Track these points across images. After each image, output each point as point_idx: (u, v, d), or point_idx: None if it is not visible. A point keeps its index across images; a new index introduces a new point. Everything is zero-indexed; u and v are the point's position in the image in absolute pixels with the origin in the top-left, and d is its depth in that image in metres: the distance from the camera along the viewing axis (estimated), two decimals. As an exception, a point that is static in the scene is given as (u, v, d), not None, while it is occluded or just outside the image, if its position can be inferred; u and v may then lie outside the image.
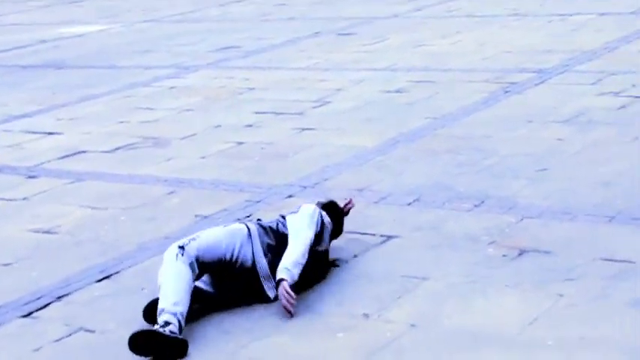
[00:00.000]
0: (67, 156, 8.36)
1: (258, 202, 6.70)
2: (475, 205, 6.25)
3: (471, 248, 5.56)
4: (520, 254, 5.43)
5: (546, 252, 5.44)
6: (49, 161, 8.21)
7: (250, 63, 12.08)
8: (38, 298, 5.33)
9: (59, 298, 5.26)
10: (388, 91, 9.73)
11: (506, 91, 9.27)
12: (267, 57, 12.39)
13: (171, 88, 10.95)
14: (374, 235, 5.89)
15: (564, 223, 5.87)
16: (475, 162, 7.16)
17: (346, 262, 5.53)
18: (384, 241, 5.79)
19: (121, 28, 16.26)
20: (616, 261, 5.23)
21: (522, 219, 5.96)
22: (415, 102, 9.19)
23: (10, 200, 7.24)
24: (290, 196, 6.76)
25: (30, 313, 5.18)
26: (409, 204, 6.39)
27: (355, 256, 5.61)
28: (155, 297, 4.78)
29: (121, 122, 9.47)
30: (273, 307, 4.91)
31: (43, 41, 15.33)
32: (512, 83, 9.56)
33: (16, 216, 6.85)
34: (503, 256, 5.42)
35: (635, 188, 6.31)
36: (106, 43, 14.68)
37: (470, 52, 11.40)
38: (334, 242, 5.70)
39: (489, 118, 8.38)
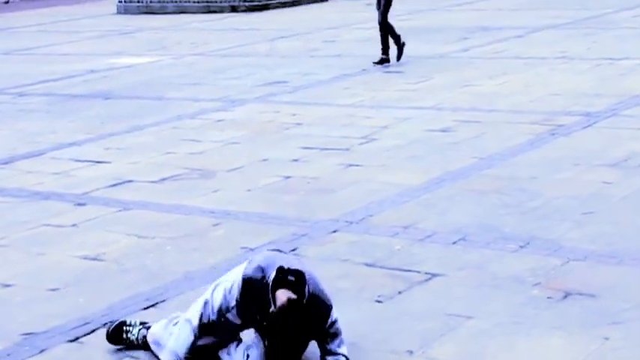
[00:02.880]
0: (115, 185, 8.45)
1: (303, 235, 6.73)
2: (520, 246, 6.24)
3: (516, 289, 5.55)
4: (565, 296, 5.41)
5: (591, 295, 5.41)
6: (97, 189, 8.30)
7: (297, 98, 12.16)
8: (85, 324, 5.38)
9: (105, 324, 5.30)
10: (433, 130, 9.76)
11: (553, 134, 9.26)
12: (314, 93, 12.47)
13: (219, 120, 11.05)
14: (418, 272, 5.90)
15: (610, 266, 5.85)
16: (521, 203, 7.15)
17: (390, 298, 5.54)
18: (428, 279, 5.79)
19: (170, 60, 16.44)
20: (663, 306, 5.20)
21: (568, 261, 5.94)
22: (461, 141, 9.21)
23: (59, 227, 7.32)
24: (335, 231, 6.79)
25: (76, 339, 5.23)
26: (454, 243, 6.39)
27: (399, 292, 5.62)
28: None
29: (168, 153, 9.56)
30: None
31: (93, 71, 15.52)
32: (560, 125, 9.55)
33: (64, 242, 6.93)
34: (549, 298, 5.41)
35: (683, 234, 6.27)
36: (154, 74, 14.83)
37: (517, 93, 11.41)
38: (376, 278, 5.72)
39: (536, 159, 8.37)
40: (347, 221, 6.98)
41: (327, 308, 4.64)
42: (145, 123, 11.15)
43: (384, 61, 14.41)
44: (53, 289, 5.97)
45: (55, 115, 12.05)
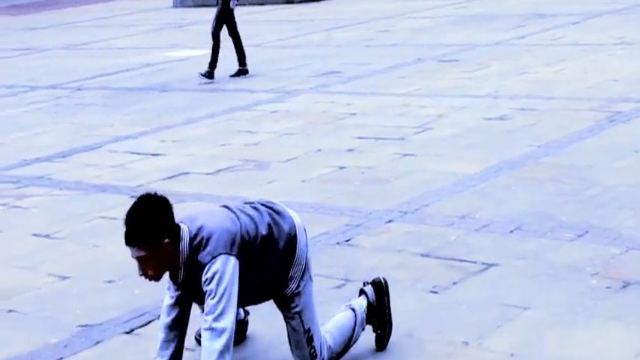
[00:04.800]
0: (170, 177, 8.49)
1: (357, 226, 6.69)
2: (578, 235, 6.14)
3: (574, 278, 5.46)
4: (624, 286, 5.31)
5: (652, 284, 5.31)
6: (152, 182, 8.34)
7: (352, 88, 12.12)
8: (140, 315, 5.41)
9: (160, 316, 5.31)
10: (490, 119, 9.65)
11: (612, 120, 9.11)
12: (369, 82, 12.42)
13: (273, 112, 11.05)
14: (474, 262, 5.83)
15: (671, 255, 5.73)
16: (578, 191, 7.04)
17: (446, 288, 5.49)
18: (484, 269, 5.73)
19: (224, 53, 16.45)
20: None
21: (627, 250, 5.84)
22: (518, 129, 9.10)
23: (114, 219, 7.35)
24: (390, 221, 6.74)
25: (132, 330, 5.26)
26: (511, 232, 6.31)
27: (455, 283, 5.56)
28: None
29: (223, 145, 9.58)
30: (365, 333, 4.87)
31: (149, 65, 15.63)
32: (618, 112, 9.39)
33: (120, 235, 6.94)
34: (607, 287, 5.31)
35: None
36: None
37: (574, 80, 11.25)
38: (432, 268, 5.67)
39: (594, 147, 8.24)
40: (402, 211, 6.93)
41: (209, 254, 4.22)
42: (200, 115, 11.18)
43: (240, 72, 13.82)
44: (109, 281, 6.01)
45: (112, 109, 12.14)
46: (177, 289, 4.43)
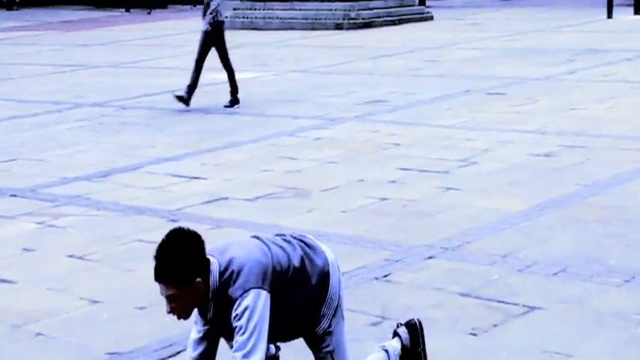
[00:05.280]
0: (209, 201, 8.38)
1: (397, 261, 6.54)
2: (625, 281, 5.93)
3: (620, 326, 5.26)
4: (672, 337, 5.10)
5: (701, 336, 5.09)
6: (191, 206, 8.24)
7: (397, 118, 11.97)
8: (169, 346, 5.28)
9: (190, 346, 5.18)
10: (537, 155, 9.46)
11: (662, 162, 8.88)
12: (414, 112, 12.26)
13: (316, 139, 10.92)
14: (516, 304, 5.65)
15: None
16: (626, 234, 6.83)
17: (485, 331, 5.31)
18: (526, 312, 5.54)
19: (271, 77, 16.42)
20: None
21: (676, 299, 5.62)
22: (565, 167, 8.90)
23: (149, 242, 7.24)
24: (430, 257, 6.57)
25: (160, 360, 5.14)
26: (555, 274, 6.12)
27: (495, 325, 5.38)
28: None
29: (264, 171, 9.46)
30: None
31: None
32: (669, 153, 9.16)
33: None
34: (654, 337, 5.10)
35: None
36: (254, 90, 14.80)
37: (625, 119, 11.03)
38: (471, 309, 5.49)
39: (643, 188, 8.02)
40: (443, 247, 6.76)
41: (241, 288, 4.07)
42: (243, 139, 11.08)
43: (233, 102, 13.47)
44: (140, 308, 5.89)
45: (155, 129, 12.09)
46: (205, 324, 4.29)
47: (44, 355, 5.28)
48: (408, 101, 13.17)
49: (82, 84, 16.62)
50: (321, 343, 4.34)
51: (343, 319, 4.42)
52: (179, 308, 4.11)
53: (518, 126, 10.96)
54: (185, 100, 13.40)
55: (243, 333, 4.02)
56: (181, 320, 4.24)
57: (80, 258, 6.96)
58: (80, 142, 11.49)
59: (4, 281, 6.54)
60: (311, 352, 4.41)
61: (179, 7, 37.53)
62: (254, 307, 4.04)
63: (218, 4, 13.49)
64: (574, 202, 7.75)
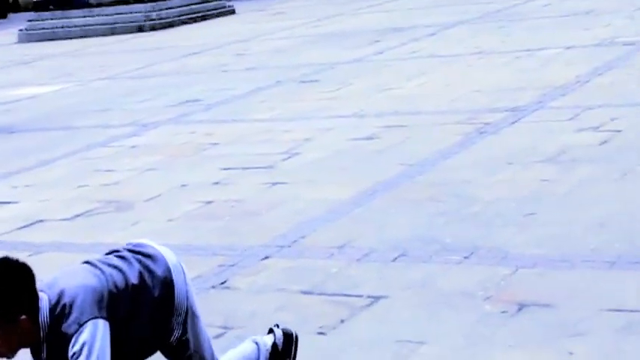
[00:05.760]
0: (25, 226, 7.87)
1: (232, 265, 6.26)
2: (465, 257, 5.86)
3: (467, 305, 5.16)
4: (520, 309, 5.04)
5: (547, 305, 5.06)
6: (4, 233, 7.71)
7: (212, 116, 11.67)
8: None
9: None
10: (358, 139, 9.34)
11: (482, 132, 8.93)
12: (229, 109, 11.99)
13: (132, 147, 10.50)
14: (360, 296, 5.47)
15: (562, 271, 5.51)
16: (459, 210, 6.77)
17: (333, 328, 5.11)
18: (371, 303, 5.38)
19: (75, 88, 15.79)
20: (624, 311, 4.86)
21: (517, 269, 5.58)
22: (388, 148, 8.82)
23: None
24: (266, 257, 6.33)
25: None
26: (394, 260, 5.98)
27: (342, 321, 5.19)
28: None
29: (80, 186, 8.99)
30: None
31: (-4, 104, 14.84)
32: (486, 123, 9.22)
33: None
34: (503, 312, 5.03)
35: (633, 229, 5.96)
36: (60, 103, 14.19)
37: (438, 94, 11.08)
38: (316, 306, 5.28)
39: (467, 161, 8.02)
40: (278, 245, 6.53)
41: (75, 323, 3.72)
42: (54, 156, 10.53)
43: None
44: None
45: (-43, 155, 11.38)
46: None
47: None
48: (222, 98, 12.88)
49: None
50: (181, 350, 4.05)
51: (197, 316, 4.12)
52: (2, 346, 3.71)
53: (336, 112, 10.85)
54: None
55: None
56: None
57: None
58: None
59: None
60: None
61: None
62: (92, 342, 3.68)
63: None
64: (402, 183, 7.66)
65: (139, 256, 4.03)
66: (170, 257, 4.10)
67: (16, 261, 3.77)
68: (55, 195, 8.80)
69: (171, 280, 4.02)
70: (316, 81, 13.27)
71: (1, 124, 12.93)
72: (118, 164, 9.71)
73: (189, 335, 4.07)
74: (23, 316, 3.67)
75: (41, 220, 7.99)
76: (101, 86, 15.60)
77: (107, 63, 18.55)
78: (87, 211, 8.07)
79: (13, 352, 3.77)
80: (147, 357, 4.11)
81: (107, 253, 4.14)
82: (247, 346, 4.36)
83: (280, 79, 13.72)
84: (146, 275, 3.96)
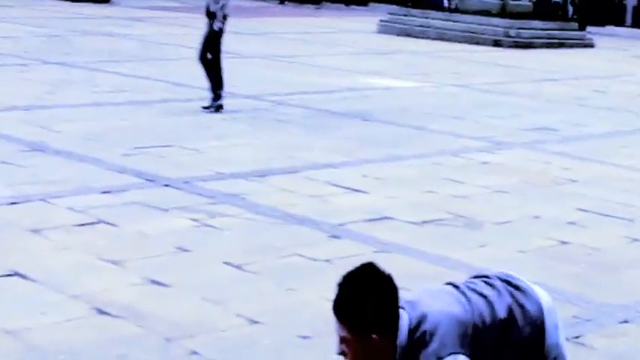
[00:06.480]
0: (373, 220, 7.78)
1: (587, 320, 5.81)
2: None
3: None
4: None
5: None
6: (353, 222, 7.66)
7: (569, 150, 11.14)
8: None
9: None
10: None
11: None
12: (588, 147, 11.42)
13: (483, 163, 10.22)
14: None
15: None
16: None
17: None
18: None
19: (430, 89, 15.76)
20: None
21: None
22: None
23: (311, 260, 6.71)
24: (626, 322, 5.83)
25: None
26: None
27: None
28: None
29: (429, 192, 8.82)
30: None
31: (351, 89, 15.03)
32: None
33: (317, 279, 6.28)
34: None
35: None
36: (414, 101, 14.19)
37: None
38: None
39: None
40: (639, 311, 6.01)
41: (434, 355, 3.37)
42: (405, 154, 10.45)
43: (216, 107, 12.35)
44: (303, 337, 5.31)
45: (311, 130, 11.57)
46: None
47: (198, 379, 4.76)
48: (579, 133, 12.35)
49: (236, 73, 16.26)
50: None
51: None
52: (350, 356, 3.48)
53: None
54: (218, 105, 12.45)
55: None
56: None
57: (237, 267, 6.44)
58: (235, 134, 11.06)
59: (158, 283, 6.07)
60: None
61: (334, 5, 37.14)
62: None
63: (227, 1, 12.69)
64: None
65: (510, 288, 3.65)
66: (544, 297, 3.70)
67: (383, 271, 3.50)
68: (404, 194, 8.67)
69: (543, 322, 3.63)
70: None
71: (357, 110, 13.06)
72: (469, 178, 9.46)
73: None
74: (374, 336, 3.41)
75: (389, 217, 7.87)
76: (455, 92, 15.46)
77: (462, 70, 18.42)
78: (435, 220, 7.87)
79: None
80: None
81: (474, 277, 3.81)
82: None
83: (643, 127, 12.97)
84: (516, 311, 3.59)
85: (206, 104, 12.46)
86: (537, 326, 3.60)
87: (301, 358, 5.00)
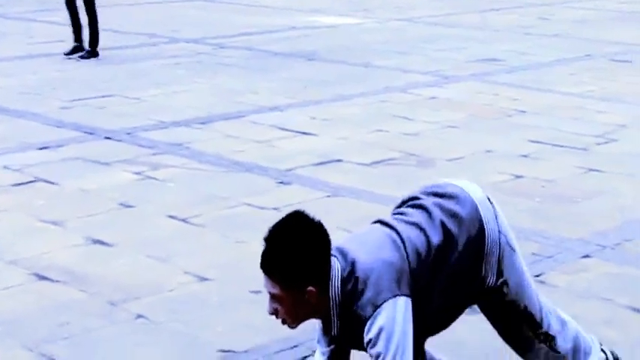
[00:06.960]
0: (322, 163, 7.55)
1: (548, 257, 5.65)
2: None
3: None
4: None
5: None
6: (302, 166, 7.42)
7: (517, 80, 10.96)
8: (292, 347, 4.48)
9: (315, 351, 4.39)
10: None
11: None
12: (535, 76, 11.24)
13: (431, 98, 10.01)
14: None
15: None
16: None
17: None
18: None
19: (373, 24, 15.47)
20: None
21: None
22: None
23: (260, 208, 6.47)
24: (586, 256, 5.68)
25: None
26: None
27: (678, 353, 4.49)
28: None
29: (378, 131, 8.61)
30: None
31: (294, 28, 14.71)
32: None
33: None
34: None
35: None
36: (359, 38, 13.90)
37: None
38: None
39: None
40: (599, 245, 5.84)
41: (370, 304, 3.22)
42: (351, 92, 10.20)
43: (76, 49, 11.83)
44: (255, 292, 5.06)
45: (254, 73, 11.27)
46: (329, 343, 3.44)
47: (148, 345, 4.52)
48: (526, 62, 12.14)
49: (177, 17, 15.85)
50: (498, 298, 3.51)
51: (514, 251, 3.54)
52: (283, 313, 3.26)
53: (655, 100, 9.93)
54: (91, 51, 11.90)
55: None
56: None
57: (183, 220, 6.19)
58: (176, 81, 10.73)
59: (101, 243, 5.80)
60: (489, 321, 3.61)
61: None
62: (392, 326, 3.16)
63: None
64: None
65: (439, 200, 3.42)
66: (476, 193, 3.49)
67: (312, 219, 3.27)
68: (353, 134, 8.45)
69: (480, 220, 3.41)
70: (629, 62, 12.29)
71: (301, 49, 12.76)
72: (417, 114, 9.26)
73: (507, 277, 3.49)
74: (310, 287, 3.20)
75: (339, 160, 7.65)
76: (399, 27, 15.19)
77: (406, 4, 18.11)
78: (386, 159, 7.67)
79: (295, 324, 3.33)
80: (455, 318, 3.56)
81: (402, 201, 3.58)
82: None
83: (590, 53, 12.81)
84: (450, 225, 3.36)
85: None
86: (475, 228, 3.40)
87: (254, 314, 4.76)
